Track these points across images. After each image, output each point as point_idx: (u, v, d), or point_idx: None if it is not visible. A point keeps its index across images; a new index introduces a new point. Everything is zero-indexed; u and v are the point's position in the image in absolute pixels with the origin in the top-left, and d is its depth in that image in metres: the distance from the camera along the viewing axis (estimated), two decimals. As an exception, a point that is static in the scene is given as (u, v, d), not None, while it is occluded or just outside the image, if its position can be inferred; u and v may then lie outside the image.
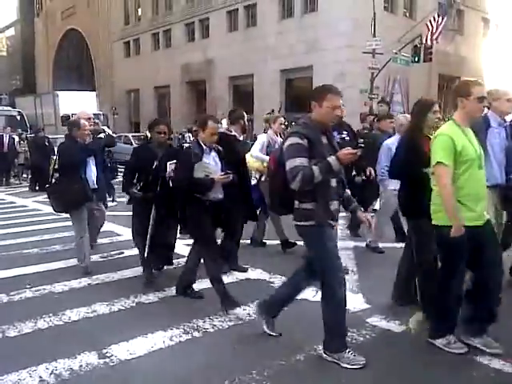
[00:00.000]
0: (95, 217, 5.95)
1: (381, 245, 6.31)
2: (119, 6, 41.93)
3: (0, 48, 65.84)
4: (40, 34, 55.32)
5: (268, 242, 6.61)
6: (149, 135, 8.80)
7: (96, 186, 5.75)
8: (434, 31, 19.70)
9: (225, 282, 5.05)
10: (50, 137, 16.35)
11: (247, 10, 31.11)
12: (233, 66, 30.60)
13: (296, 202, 3.36)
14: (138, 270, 5.43)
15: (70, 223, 8.25)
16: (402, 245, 4.59)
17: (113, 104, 36.83)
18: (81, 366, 3.43)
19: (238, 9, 31.48)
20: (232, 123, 5.63)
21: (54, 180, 5.77)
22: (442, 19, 19.67)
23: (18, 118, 25.24)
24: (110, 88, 41.67)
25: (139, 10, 40.38)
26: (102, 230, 6.54)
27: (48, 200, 5.88)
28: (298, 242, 5.43)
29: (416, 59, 20.92)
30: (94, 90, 36.68)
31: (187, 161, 4.30)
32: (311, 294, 3.97)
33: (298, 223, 3.40)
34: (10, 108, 28.68)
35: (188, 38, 35.83)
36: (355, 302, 4.41)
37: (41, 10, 55.00)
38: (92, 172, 5.74)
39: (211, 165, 4.36)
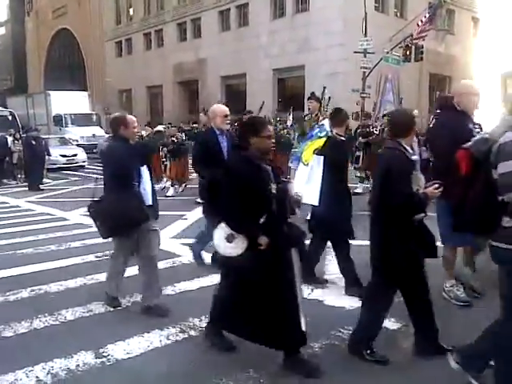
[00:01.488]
0: (147, 241, 4.37)
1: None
2: (111, 5, 41.75)
3: (-10, 47, 65.35)
4: (31, 34, 54.91)
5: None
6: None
7: (151, 203, 4.40)
8: (422, 29, 19.91)
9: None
10: (43, 137, 16.29)
11: (239, 10, 31.12)
12: (225, 65, 30.61)
13: (506, 219, 2.63)
14: (134, 270, 5.41)
15: (64, 223, 8.30)
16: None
17: (105, 104, 36.66)
18: (78, 365, 3.44)
19: (229, 8, 31.49)
20: (337, 125, 4.75)
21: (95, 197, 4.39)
22: (430, 17, 19.88)
23: (10, 118, 25.02)
24: (102, 88, 41.48)
25: (131, 9, 40.23)
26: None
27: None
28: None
29: (407, 59, 21.03)
30: (86, 90, 36.51)
31: (406, 171, 3.09)
32: (307, 291, 4.00)
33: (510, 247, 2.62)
34: (1, 108, 28.45)
35: (180, 37, 35.77)
36: (351, 300, 4.43)
37: (31, 10, 54.60)
38: (147, 184, 4.38)
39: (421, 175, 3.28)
